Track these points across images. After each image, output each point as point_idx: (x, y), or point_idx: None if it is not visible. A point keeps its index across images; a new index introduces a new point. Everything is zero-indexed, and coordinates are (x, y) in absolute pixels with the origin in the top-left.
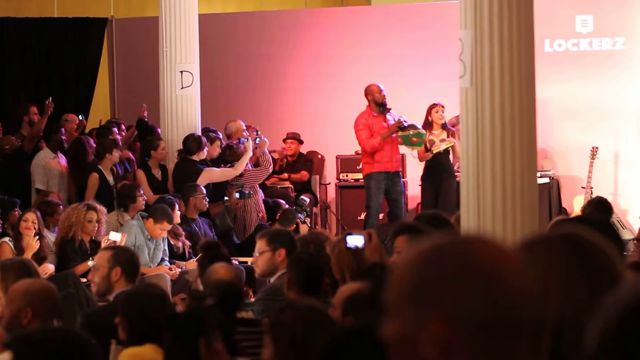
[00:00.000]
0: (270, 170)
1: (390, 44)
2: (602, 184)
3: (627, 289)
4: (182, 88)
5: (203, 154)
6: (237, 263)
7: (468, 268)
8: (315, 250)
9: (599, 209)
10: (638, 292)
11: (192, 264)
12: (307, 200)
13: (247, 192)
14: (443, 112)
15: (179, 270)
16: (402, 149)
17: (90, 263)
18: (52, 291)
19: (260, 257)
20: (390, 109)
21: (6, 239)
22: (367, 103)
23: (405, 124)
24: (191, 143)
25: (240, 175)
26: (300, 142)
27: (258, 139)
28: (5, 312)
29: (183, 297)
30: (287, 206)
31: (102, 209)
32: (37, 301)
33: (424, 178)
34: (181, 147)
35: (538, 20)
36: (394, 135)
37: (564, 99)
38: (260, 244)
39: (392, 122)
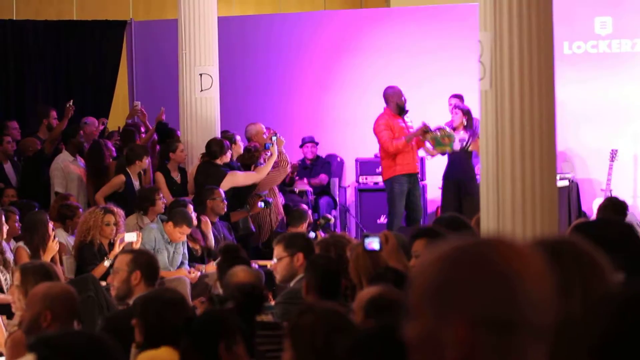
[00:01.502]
0: (289, 171)
1: (409, 46)
2: (621, 187)
3: (617, 293)
4: (202, 91)
5: (226, 158)
6: (256, 266)
7: (489, 270)
8: (336, 253)
9: (616, 210)
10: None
11: (211, 267)
12: (332, 218)
13: (270, 200)
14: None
15: (199, 273)
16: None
17: (106, 263)
18: (72, 294)
19: (279, 264)
20: (407, 110)
21: (21, 243)
22: (385, 105)
23: (430, 128)
24: (214, 146)
25: None
26: (316, 143)
27: (274, 137)
28: (26, 315)
29: (203, 300)
30: (304, 207)
31: (120, 211)
32: (57, 304)
33: (445, 178)
34: (203, 151)
35: (557, 22)
36: (418, 139)
37: (583, 101)
38: (277, 250)
39: (409, 123)
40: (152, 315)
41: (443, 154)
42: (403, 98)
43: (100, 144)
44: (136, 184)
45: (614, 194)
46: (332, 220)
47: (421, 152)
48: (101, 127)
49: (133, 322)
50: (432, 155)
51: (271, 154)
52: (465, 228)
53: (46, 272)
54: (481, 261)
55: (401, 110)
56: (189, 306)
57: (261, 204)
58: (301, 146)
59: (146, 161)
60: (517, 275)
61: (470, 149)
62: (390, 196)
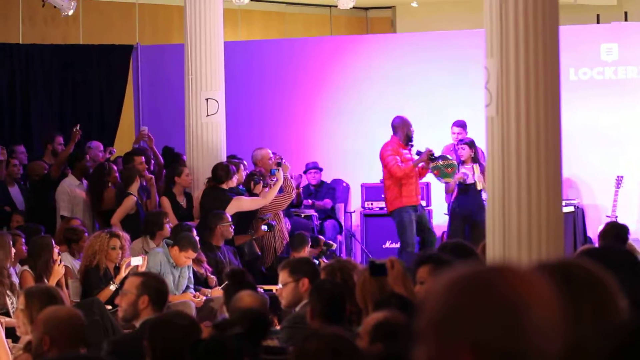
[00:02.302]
0: (294, 196)
1: (415, 72)
2: (627, 213)
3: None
4: (208, 115)
5: (232, 182)
6: (262, 291)
7: (495, 298)
8: (341, 278)
9: (617, 236)
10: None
11: (217, 292)
12: (335, 245)
13: (273, 223)
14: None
15: (204, 297)
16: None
17: (112, 287)
18: (75, 319)
19: (284, 289)
20: (412, 144)
21: (26, 267)
22: (393, 133)
23: (434, 155)
24: (220, 171)
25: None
26: (320, 169)
27: (280, 163)
28: (32, 340)
29: (208, 325)
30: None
31: (125, 235)
32: (55, 329)
33: (453, 205)
34: (209, 175)
35: (563, 49)
36: (421, 166)
37: (589, 127)
38: (282, 276)
39: (415, 155)
40: (159, 338)
41: (447, 183)
42: (412, 129)
43: (103, 168)
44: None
45: (619, 219)
46: (335, 246)
47: (427, 177)
48: (107, 156)
49: (144, 343)
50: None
51: (277, 180)
52: (470, 255)
53: (51, 296)
54: (487, 289)
55: (409, 141)
56: (199, 330)
57: (265, 227)
58: (305, 172)
59: (137, 180)
60: (523, 303)
61: (479, 187)
62: (400, 226)
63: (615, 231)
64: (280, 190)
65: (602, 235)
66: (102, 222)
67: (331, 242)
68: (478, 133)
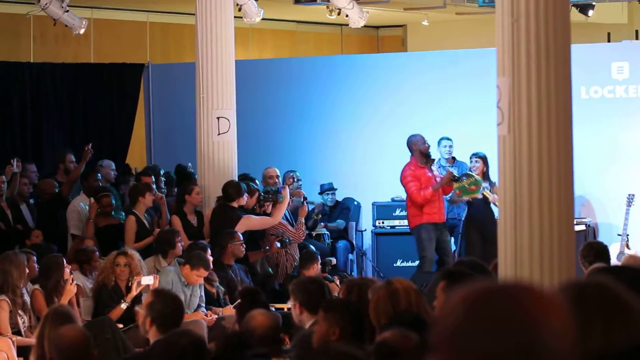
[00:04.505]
0: (301, 239)
1: (427, 90)
2: (638, 231)
3: None
4: (219, 134)
5: (242, 201)
6: (274, 309)
7: (509, 316)
8: (357, 295)
9: (597, 255)
10: None
11: (228, 310)
12: (334, 260)
13: (287, 240)
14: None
15: (216, 316)
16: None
17: (123, 305)
18: (81, 339)
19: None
20: (434, 160)
21: (37, 286)
22: (410, 154)
23: (457, 175)
24: (231, 189)
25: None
26: (335, 189)
27: (296, 184)
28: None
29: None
30: (311, 247)
31: (134, 253)
32: (56, 352)
33: (467, 225)
34: (219, 194)
35: (574, 67)
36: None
37: (600, 145)
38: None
39: (435, 172)
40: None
41: (473, 199)
42: (426, 144)
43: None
44: (145, 222)
45: (630, 238)
46: (334, 261)
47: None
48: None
49: None
50: (461, 200)
51: (283, 199)
52: (484, 273)
53: (63, 316)
54: (503, 307)
55: (427, 159)
56: (206, 349)
57: (278, 244)
58: (320, 193)
59: (150, 198)
60: (536, 322)
61: (491, 200)
62: (419, 242)
63: (594, 251)
64: (292, 222)
65: (583, 254)
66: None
67: (330, 258)
68: (492, 152)
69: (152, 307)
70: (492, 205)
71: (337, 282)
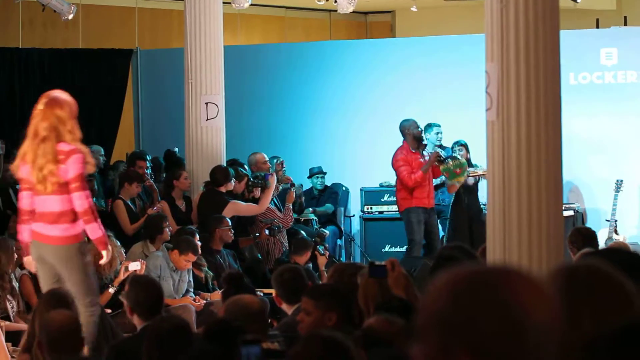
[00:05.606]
0: (289, 225)
1: (415, 76)
2: (626, 217)
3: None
4: (207, 120)
5: (230, 186)
6: (261, 294)
7: (495, 301)
8: (348, 279)
9: (585, 241)
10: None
11: (216, 295)
12: (327, 232)
13: (276, 227)
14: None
15: (204, 301)
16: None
17: (110, 290)
18: (70, 324)
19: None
20: (426, 144)
21: (26, 271)
22: (403, 138)
23: (443, 157)
24: (218, 174)
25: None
26: (324, 173)
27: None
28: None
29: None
30: (302, 233)
31: (113, 241)
32: (45, 334)
33: (454, 208)
34: (207, 179)
35: (563, 53)
36: (435, 167)
37: (588, 131)
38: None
39: (427, 158)
40: (156, 343)
41: (458, 183)
42: (419, 129)
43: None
44: (132, 207)
45: (618, 224)
46: (327, 233)
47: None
48: None
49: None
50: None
51: (270, 185)
52: (470, 258)
53: (58, 298)
54: (487, 291)
55: (419, 143)
56: (193, 334)
57: (267, 231)
58: (309, 177)
59: (136, 188)
60: (522, 306)
61: (480, 174)
62: (408, 226)
63: (582, 237)
64: (281, 208)
65: (571, 240)
66: None
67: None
68: (480, 137)
69: (129, 296)
70: (478, 186)
71: (326, 254)
